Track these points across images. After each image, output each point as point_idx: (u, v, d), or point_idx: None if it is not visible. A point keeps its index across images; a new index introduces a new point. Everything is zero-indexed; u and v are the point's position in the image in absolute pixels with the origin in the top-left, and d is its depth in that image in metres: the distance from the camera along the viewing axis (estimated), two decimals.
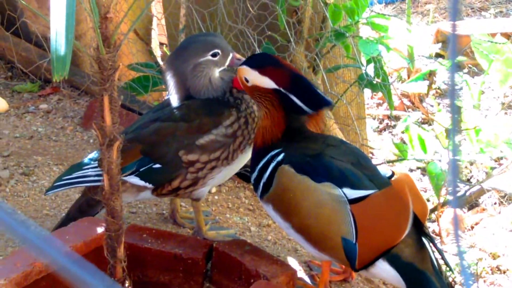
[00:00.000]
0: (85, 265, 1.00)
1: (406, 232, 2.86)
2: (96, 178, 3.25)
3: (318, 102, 3.09)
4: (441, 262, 2.96)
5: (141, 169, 3.27)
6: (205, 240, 3.38)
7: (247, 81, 3.14)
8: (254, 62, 3.15)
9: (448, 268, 2.96)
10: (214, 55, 3.34)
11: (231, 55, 3.38)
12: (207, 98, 3.35)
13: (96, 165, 3.25)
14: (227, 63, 3.38)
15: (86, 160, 3.38)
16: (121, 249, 2.68)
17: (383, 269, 2.91)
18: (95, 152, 3.38)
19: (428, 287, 2.84)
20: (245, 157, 3.42)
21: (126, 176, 3.22)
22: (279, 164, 3.03)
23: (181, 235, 3.33)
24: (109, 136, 2.53)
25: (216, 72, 3.36)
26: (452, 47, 1.10)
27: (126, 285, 2.74)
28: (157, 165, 3.28)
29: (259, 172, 3.11)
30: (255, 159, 3.16)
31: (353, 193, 2.91)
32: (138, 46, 5.72)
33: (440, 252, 2.97)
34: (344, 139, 4.31)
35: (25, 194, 3.95)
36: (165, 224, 3.71)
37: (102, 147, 2.55)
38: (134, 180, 3.29)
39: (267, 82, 3.07)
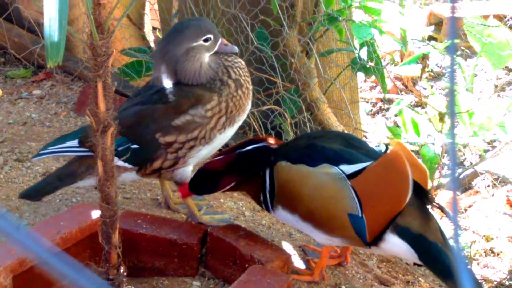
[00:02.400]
0: (77, 266, 0.99)
1: (408, 196, 2.85)
2: (78, 149, 3.34)
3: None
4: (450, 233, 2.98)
5: (119, 149, 3.27)
6: (200, 225, 3.38)
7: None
8: (196, 190, 3.31)
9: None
10: (206, 40, 3.35)
11: (220, 40, 3.39)
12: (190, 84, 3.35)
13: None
14: (215, 49, 3.39)
15: (72, 133, 3.44)
16: (116, 235, 2.68)
17: (394, 243, 2.91)
18: (81, 127, 3.43)
19: (440, 257, 2.85)
20: (226, 136, 3.44)
21: None
22: (273, 165, 3.07)
23: (176, 221, 3.33)
24: (103, 122, 2.53)
25: (207, 57, 3.37)
26: (451, 29, 1.10)
27: (121, 270, 2.74)
28: (135, 146, 3.29)
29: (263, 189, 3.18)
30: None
31: (350, 168, 2.92)
32: (131, 31, 5.71)
33: (448, 214, 3.00)
34: (337, 123, 4.32)
35: (19, 180, 3.94)
36: (160, 210, 3.71)
37: (96, 133, 2.55)
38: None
39: (225, 185, 3.23)
